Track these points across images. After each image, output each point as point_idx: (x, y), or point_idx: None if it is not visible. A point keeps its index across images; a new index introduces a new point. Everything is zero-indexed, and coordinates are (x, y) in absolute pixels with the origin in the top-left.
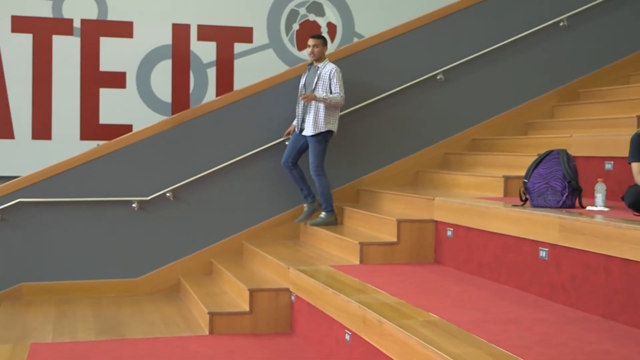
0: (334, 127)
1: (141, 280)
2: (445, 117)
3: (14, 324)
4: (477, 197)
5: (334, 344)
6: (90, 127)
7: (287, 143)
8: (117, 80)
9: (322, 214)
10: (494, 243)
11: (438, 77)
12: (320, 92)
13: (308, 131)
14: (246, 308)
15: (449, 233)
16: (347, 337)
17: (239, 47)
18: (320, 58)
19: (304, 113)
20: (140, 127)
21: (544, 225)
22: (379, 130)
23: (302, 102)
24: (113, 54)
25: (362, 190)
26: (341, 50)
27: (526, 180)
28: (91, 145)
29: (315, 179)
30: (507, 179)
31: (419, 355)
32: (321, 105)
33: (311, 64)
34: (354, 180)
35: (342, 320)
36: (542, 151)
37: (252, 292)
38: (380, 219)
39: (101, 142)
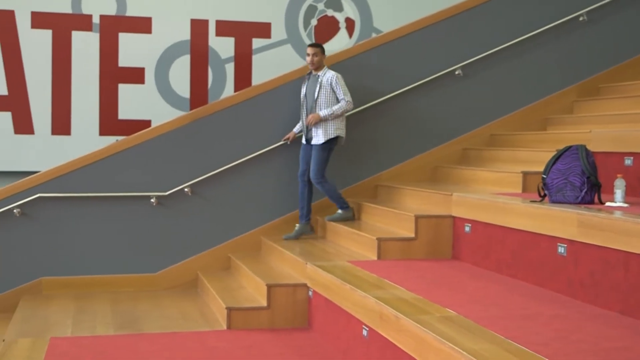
0: (342, 132)
1: (159, 275)
2: (464, 112)
3: (33, 318)
4: (495, 192)
5: (351, 339)
6: (109, 122)
7: (285, 142)
8: (135, 75)
9: (339, 211)
10: (512, 239)
11: (457, 73)
12: (323, 107)
13: (319, 140)
14: (264, 303)
15: (467, 229)
16: (364, 332)
17: (257, 43)
18: (319, 67)
19: (311, 125)
20: (158, 123)
21: (562, 221)
22: (398, 126)
23: (306, 113)
24: (132, 50)
25: (381, 185)
26: (360, 45)
27: (545, 176)
28: (110, 140)
29: (318, 186)
30: (525, 174)
31: (436, 350)
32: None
33: (310, 72)
34: (373, 175)
35: (359, 315)
36: (561, 147)
37: (270, 288)
38: (398, 215)
39: (120, 138)
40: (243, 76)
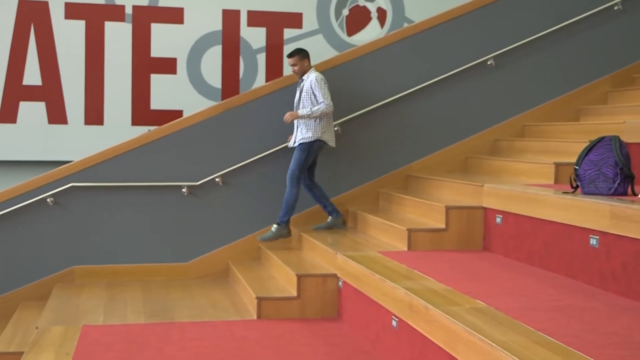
0: (324, 137)
1: (190, 265)
2: (496, 103)
3: (66, 306)
4: (527, 183)
5: (381, 329)
6: (142, 112)
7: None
8: (167, 66)
9: (273, 227)
10: (543, 230)
11: (489, 63)
12: (305, 107)
13: (297, 141)
14: (294, 293)
15: (498, 220)
16: (394, 323)
17: (288, 33)
18: (304, 73)
19: (296, 126)
20: (190, 113)
21: (594, 213)
22: (429, 116)
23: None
24: (164, 40)
25: (411, 176)
26: (393, 35)
27: (577, 167)
28: (142, 130)
29: (288, 184)
30: (558, 165)
31: (465, 342)
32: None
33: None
34: (403, 166)
35: (389, 306)
36: (594, 137)
37: (300, 278)
38: (428, 205)
39: (152, 128)
40: (274, 66)
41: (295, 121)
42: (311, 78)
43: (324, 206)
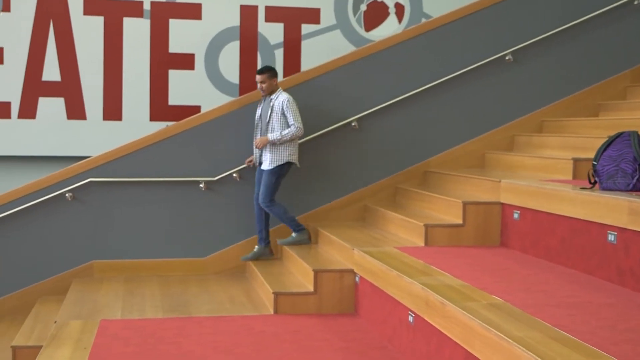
0: (293, 158)
1: (208, 260)
2: (514, 98)
3: (84, 301)
4: (545, 179)
5: (397, 325)
6: (160, 108)
7: (248, 165)
8: (185, 61)
9: (293, 234)
10: (561, 226)
11: (507, 58)
12: (274, 131)
13: (265, 165)
14: (311, 288)
15: (516, 215)
16: (410, 318)
17: (306, 28)
18: (272, 90)
19: (264, 149)
20: (208, 108)
21: (612, 209)
22: (447, 111)
23: (259, 135)
24: (182, 36)
25: (429, 172)
26: (410, 30)
27: (595, 163)
28: (160, 126)
29: (267, 210)
30: (576, 161)
31: (482, 338)
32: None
33: (263, 98)
34: (421, 162)
35: (406, 301)
36: (613, 133)
37: (317, 273)
38: (446, 201)
39: (170, 123)
40: (292, 62)
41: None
42: (282, 99)
43: (259, 230)
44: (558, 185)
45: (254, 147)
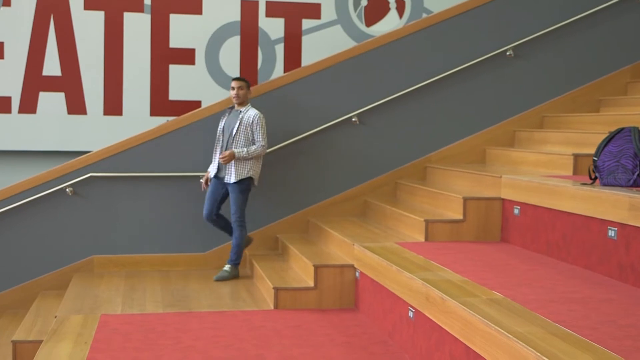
0: (255, 174)
1: (209, 255)
2: (515, 93)
3: (85, 296)
4: (545, 175)
5: (398, 320)
6: (160, 103)
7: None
8: (186, 56)
9: (227, 267)
10: (562, 222)
11: (508, 54)
12: (240, 145)
13: (231, 178)
14: (311, 284)
15: (516, 211)
16: (411, 314)
17: (306, 24)
18: (244, 102)
19: (228, 163)
20: (208, 103)
21: (613, 204)
22: (447, 107)
23: (221, 148)
24: (182, 31)
25: (429, 167)
26: (410, 26)
27: (596, 158)
28: (161, 121)
29: (237, 230)
30: (576, 156)
31: (482, 333)
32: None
33: (232, 107)
34: (422, 157)
35: (406, 297)
36: (614, 128)
37: (317, 268)
38: (446, 197)
39: (171, 118)
40: (293, 57)
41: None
42: (253, 113)
43: (231, 234)
44: (559, 180)
45: (215, 160)
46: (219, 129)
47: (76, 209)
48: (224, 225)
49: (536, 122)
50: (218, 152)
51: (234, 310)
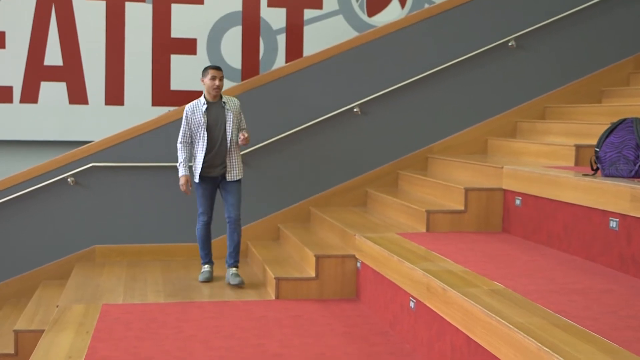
0: None
1: None
2: (517, 84)
3: (86, 285)
4: (547, 165)
5: (399, 310)
6: (162, 93)
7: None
8: (188, 46)
9: (236, 270)
10: (563, 212)
11: (510, 44)
12: (234, 136)
13: (234, 175)
14: (312, 274)
15: (518, 202)
16: (412, 304)
17: (308, 14)
18: (220, 93)
19: (224, 157)
20: None
21: (615, 195)
22: (450, 98)
23: (217, 143)
24: (184, 21)
25: (431, 157)
26: (413, 16)
27: (598, 149)
28: (162, 111)
29: (239, 229)
30: (578, 147)
31: (483, 324)
32: (235, 145)
33: (206, 101)
34: (423, 147)
35: (407, 287)
36: (616, 119)
37: (319, 258)
38: (447, 187)
39: (172, 108)
40: (294, 47)
41: (233, 145)
42: (236, 102)
43: (207, 253)
44: (560, 171)
45: (200, 159)
46: (201, 124)
47: (78, 199)
48: (210, 237)
49: (538, 113)
50: (204, 149)
51: (235, 300)
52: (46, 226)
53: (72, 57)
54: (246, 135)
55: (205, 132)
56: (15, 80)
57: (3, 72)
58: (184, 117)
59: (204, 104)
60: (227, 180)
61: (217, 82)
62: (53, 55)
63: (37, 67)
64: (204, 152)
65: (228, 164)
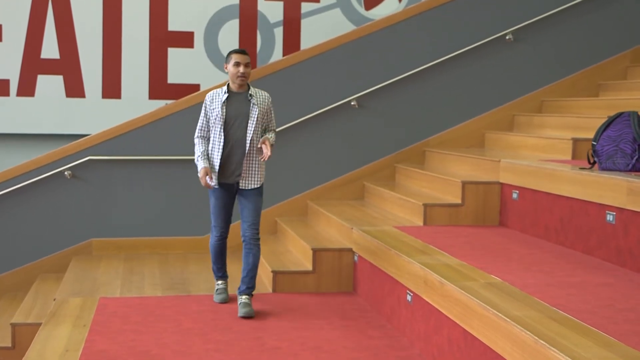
0: None
1: (207, 238)
2: (514, 78)
3: (83, 279)
4: (544, 159)
5: (396, 304)
6: (159, 86)
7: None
8: (185, 39)
9: (248, 298)
10: (560, 206)
11: (507, 38)
12: (258, 135)
13: (255, 182)
14: (309, 267)
15: (515, 195)
16: (409, 297)
17: (306, 7)
18: (246, 84)
19: (240, 160)
20: (207, 87)
21: (611, 189)
22: (447, 91)
23: (236, 147)
24: (181, 14)
25: (428, 151)
26: (410, 9)
27: (595, 143)
28: (160, 104)
29: (255, 249)
30: (575, 141)
31: (480, 317)
32: (257, 147)
33: (227, 90)
34: (420, 141)
35: (404, 281)
36: (613, 113)
37: (316, 252)
38: (445, 181)
39: (169, 101)
40: (292, 40)
41: (254, 151)
42: (267, 96)
43: (220, 267)
44: (557, 165)
45: (217, 159)
46: (215, 117)
47: (75, 192)
48: (224, 253)
49: (535, 107)
50: (220, 148)
51: (232, 294)
52: (43, 219)
53: (69, 50)
54: (267, 144)
55: (220, 125)
56: (12, 73)
57: (0, 65)
58: (202, 108)
59: (225, 92)
60: (241, 187)
61: (241, 69)
62: (50, 48)
63: (34, 60)
64: (220, 151)
65: (245, 169)
